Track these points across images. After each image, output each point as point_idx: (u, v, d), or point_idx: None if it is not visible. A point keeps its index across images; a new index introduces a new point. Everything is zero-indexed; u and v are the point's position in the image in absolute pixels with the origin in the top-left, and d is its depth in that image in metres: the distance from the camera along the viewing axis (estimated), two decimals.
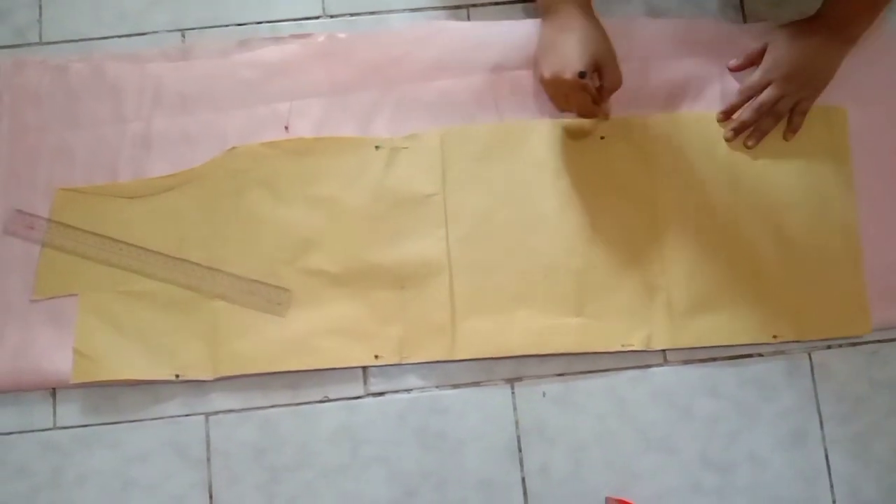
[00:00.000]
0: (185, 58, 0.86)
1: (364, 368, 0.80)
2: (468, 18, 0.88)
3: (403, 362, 0.80)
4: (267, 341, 0.79)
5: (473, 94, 0.85)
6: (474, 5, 0.89)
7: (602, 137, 0.84)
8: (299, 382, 0.80)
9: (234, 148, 0.83)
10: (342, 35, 0.86)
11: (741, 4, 0.89)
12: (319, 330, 0.80)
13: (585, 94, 0.79)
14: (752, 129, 0.84)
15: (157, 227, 0.82)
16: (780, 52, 0.84)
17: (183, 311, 0.80)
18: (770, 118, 0.83)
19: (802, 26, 0.84)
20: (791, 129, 0.84)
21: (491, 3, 0.89)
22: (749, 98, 0.84)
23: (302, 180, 0.83)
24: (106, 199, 0.82)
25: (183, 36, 0.88)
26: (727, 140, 0.84)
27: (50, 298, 0.80)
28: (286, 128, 0.84)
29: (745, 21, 0.89)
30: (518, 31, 0.87)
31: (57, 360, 0.78)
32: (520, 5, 0.89)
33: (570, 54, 0.78)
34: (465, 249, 0.82)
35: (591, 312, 0.80)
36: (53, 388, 0.79)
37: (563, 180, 0.83)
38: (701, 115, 0.85)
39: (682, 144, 0.84)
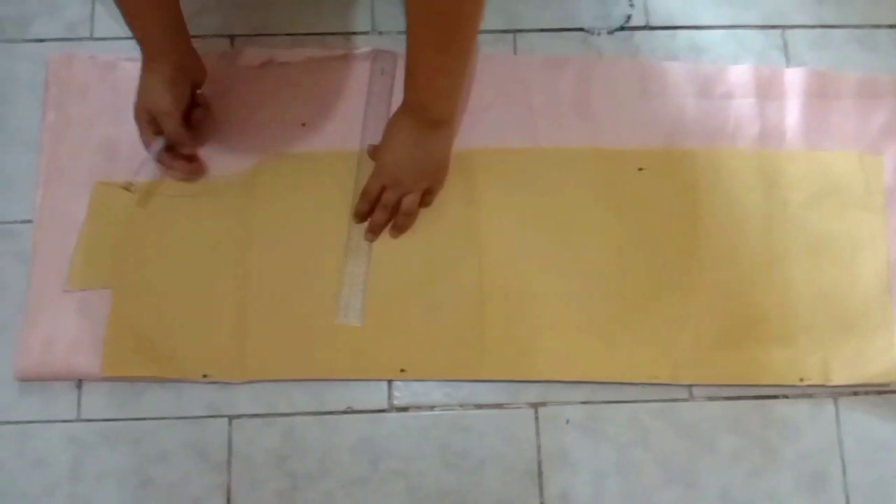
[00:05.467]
0: (232, 62, 0.87)
1: (389, 382, 0.80)
2: (514, 44, 0.89)
3: (429, 378, 0.80)
4: (295, 348, 0.80)
5: (512, 122, 0.86)
6: (520, 31, 0.90)
7: (640, 169, 0.85)
8: (324, 392, 0.80)
9: (275, 153, 0.84)
10: (388, 52, 0.87)
11: (784, 46, 0.90)
12: (348, 340, 0.80)
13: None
14: (390, 225, 0.82)
15: (194, 227, 0.82)
16: (381, 152, 0.81)
17: (215, 312, 0.80)
18: (403, 216, 0.81)
19: (392, 120, 0.81)
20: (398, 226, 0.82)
21: (536, 30, 0.90)
22: (373, 202, 0.82)
23: (336, 192, 0.83)
24: (144, 196, 0.83)
25: (232, 41, 0.89)
26: (368, 240, 0.82)
27: (83, 290, 0.80)
28: (303, 124, 0.85)
29: (787, 64, 0.90)
30: (561, 67, 0.88)
31: (86, 352, 0.78)
32: (564, 33, 0.90)
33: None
34: (496, 272, 0.82)
35: (620, 342, 0.81)
36: (80, 380, 0.79)
37: (599, 208, 0.84)
38: (738, 152, 0.85)
39: (720, 180, 0.85)
